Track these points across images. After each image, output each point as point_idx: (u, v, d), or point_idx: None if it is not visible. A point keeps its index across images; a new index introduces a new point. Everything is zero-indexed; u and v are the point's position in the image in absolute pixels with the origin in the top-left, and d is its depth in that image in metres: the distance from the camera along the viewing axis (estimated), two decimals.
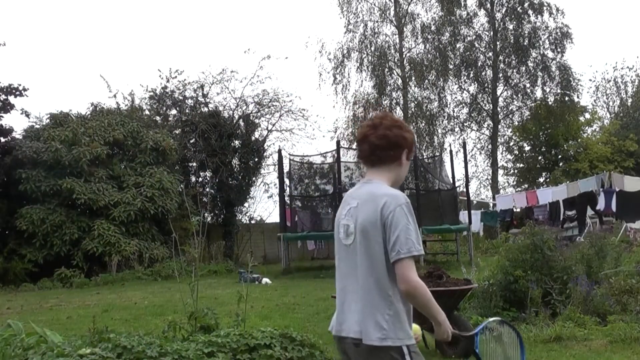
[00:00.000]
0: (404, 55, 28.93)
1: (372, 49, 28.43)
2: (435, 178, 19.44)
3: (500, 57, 29.30)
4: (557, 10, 28.58)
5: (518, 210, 23.69)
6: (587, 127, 32.94)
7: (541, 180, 32.39)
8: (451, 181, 18.85)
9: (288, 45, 52.75)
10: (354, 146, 27.46)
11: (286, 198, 19.48)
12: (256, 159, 24.32)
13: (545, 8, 28.56)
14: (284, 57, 44.14)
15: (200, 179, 24.35)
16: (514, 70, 29.37)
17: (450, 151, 19.92)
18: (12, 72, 51.80)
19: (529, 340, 6.30)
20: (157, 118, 23.92)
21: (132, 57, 48.05)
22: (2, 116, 19.02)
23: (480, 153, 31.69)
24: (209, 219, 22.14)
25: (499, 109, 29.87)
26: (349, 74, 28.75)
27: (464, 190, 20.68)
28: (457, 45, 29.26)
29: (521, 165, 33.71)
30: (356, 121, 28.45)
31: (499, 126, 30.56)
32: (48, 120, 19.68)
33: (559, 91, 28.85)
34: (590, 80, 38.96)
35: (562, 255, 7.62)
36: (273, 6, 48.73)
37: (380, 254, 2.41)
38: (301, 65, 54.48)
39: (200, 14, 49.99)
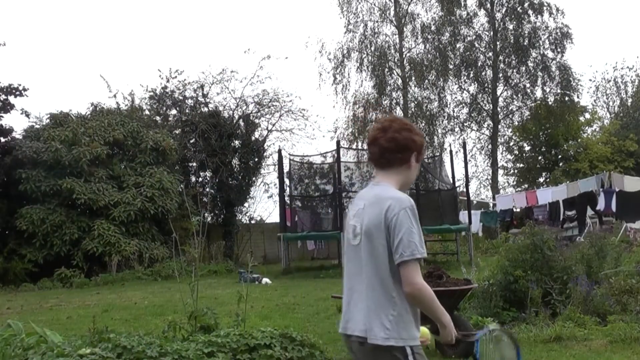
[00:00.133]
0: (404, 55, 28.93)
1: (372, 49, 28.43)
2: (435, 178, 19.44)
3: (500, 57, 29.30)
4: (557, 10, 28.60)
5: (518, 210, 23.69)
6: (587, 127, 32.95)
7: (541, 180, 32.39)
8: (451, 181, 18.86)
9: (288, 45, 52.84)
10: (354, 146, 27.56)
11: (286, 198, 19.48)
12: (256, 159, 24.32)
13: (545, 8, 28.56)
14: (284, 57, 44.22)
15: (200, 179, 24.36)
16: (514, 70, 29.37)
17: (450, 151, 19.95)
18: (12, 72, 51.87)
19: (529, 340, 6.30)
20: (157, 118, 23.93)
21: (132, 57, 48.11)
22: (2, 116, 19.05)
23: (480, 153, 31.73)
24: (209, 219, 22.14)
25: (499, 109, 29.87)
26: (349, 74, 28.79)
27: (464, 190, 20.69)
28: (457, 45, 29.27)
29: (521, 165, 33.71)
30: (356, 121, 28.47)
31: (499, 126, 30.57)
32: (48, 120, 19.68)
33: (559, 91, 28.85)
34: (590, 80, 39.03)
35: (562, 255, 7.61)
36: (273, 6, 48.77)
37: (384, 256, 2.45)
38: (301, 65, 54.53)
39: (200, 14, 50.04)
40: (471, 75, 29.83)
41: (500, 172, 32.46)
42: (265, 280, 14.64)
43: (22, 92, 19.03)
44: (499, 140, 31.11)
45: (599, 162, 28.31)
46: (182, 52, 47.02)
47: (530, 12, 28.67)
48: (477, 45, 29.63)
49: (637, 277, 7.68)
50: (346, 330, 2.57)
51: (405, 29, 28.88)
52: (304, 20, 49.98)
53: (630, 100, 35.93)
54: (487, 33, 29.58)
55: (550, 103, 29.24)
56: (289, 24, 52.55)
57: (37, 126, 19.59)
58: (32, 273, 16.88)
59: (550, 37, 28.62)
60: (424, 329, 2.62)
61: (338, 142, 19.46)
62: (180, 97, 24.02)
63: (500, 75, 29.46)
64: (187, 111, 23.88)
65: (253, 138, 24.18)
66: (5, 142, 19.06)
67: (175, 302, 10.05)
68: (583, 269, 7.68)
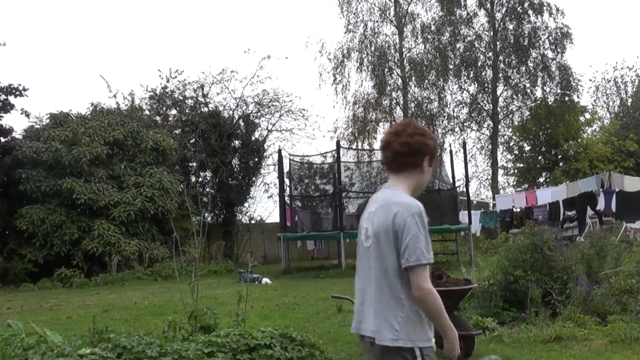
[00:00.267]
0: (404, 55, 28.92)
1: (372, 49, 28.42)
2: (435, 178, 19.43)
3: (500, 57, 29.30)
4: (557, 10, 28.59)
5: (518, 210, 23.69)
6: (587, 127, 32.93)
7: (541, 180, 32.38)
8: (451, 181, 18.86)
9: (288, 45, 52.83)
10: (354, 146, 27.57)
11: (286, 198, 19.49)
12: (256, 159, 24.32)
13: (545, 8, 28.56)
14: (284, 57, 44.19)
15: (200, 179, 24.37)
16: (514, 70, 29.36)
17: (450, 151, 19.94)
18: (12, 72, 51.85)
19: (529, 340, 6.30)
20: (157, 118, 23.93)
21: (132, 57, 48.13)
22: (2, 116, 19.05)
23: (480, 153, 31.71)
24: (209, 219, 22.16)
25: (499, 109, 29.86)
26: (349, 74, 28.77)
27: (464, 190, 20.69)
28: (457, 45, 29.26)
29: (521, 165, 33.70)
30: (356, 121, 28.47)
31: (499, 126, 30.55)
32: (48, 120, 19.68)
33: (559, 91, 28.84)
34: (590, 80, 38.97)
35: (562, 255, 7.61)
36: (273, 6, 48.78)
37: (392, 259, 2.49)
38: (301, 65, 54.53)
39: (201, 14, 50.04)
40: (471, 75, 29.82)
41: (500, 172, 32.48)
42: (265, 280, 14.65)
43: (22, 92, 19.03)
44: (499, 140, 31.10)
45: (599, 162, 28.31)
46: (182, 52, 47.09)
47: (530, 12, 28.66)
48: (477, 45, 29.63)
49: (637, 277, 7.68)
50: (359, 330, 2.63)
51: (405, 29, 28.87)
52: (304, 20, 50.03)
53: (630, 100, 35.92)
54: (487, 33, 29.58)
55: (550, 103, 29.23)
56: (289, 24, 52.60)
57: (37, 126, 19.60)
58: (32, 273, 16.88)
59: (550, 37, 28.62)
60: None
61: (338, 142, 19.46)
62: (180, 97, 24.03)
63: (500, 75, 29.45)
64: (187, 111, 23.88)
65: (253, 138, 24.19)
66: (5, 142, 19.06)
67: (175, 302, 10.05)
68: (583, 269, 7.68)
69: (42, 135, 18.42)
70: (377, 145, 28.38)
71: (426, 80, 28.63)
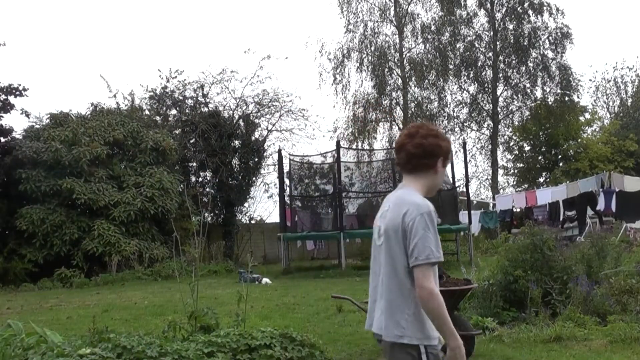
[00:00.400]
0: (404, 55, 28.91)
1: (372, 49, 28.41)
2: None
3: (500, 57, 29.29)
4: (557, 10, 28.58)
5: (518, 210, 23.69)
6: (587, 127, 32.93)
7: (541, 180, 32.38)
8: (451, 181, 18.85)
9: (288, 45, 52.80)
10: (354, 146, 27.56)
11: (286, 198, 19.49)
12: (256, 159, 24.33)
13: (545, 8, 28.55)
14: (284, 57, 44.19)
15: (200, 179, 24.37)
16: (514, 70, 29.35)
17: None
18: (12, 72, 51.84)
19: (529, 340, 6.30)
20: (157, 118, 23.93)
21: (132, 57, 48.11)
22: (2, 116, 19.05)
23: (480, 153, 31.70)
24: (209, 219, 22.15)
25: (499, 109, 29.85)
26: (349, 74, 28.76)
27: (464, 190, 20.69)
28: (457, 45, 29.25)
29: (521, 165, 33.70)
30: (356, 121, 28.45)
31: (499, 126, 30.55)
32: (48, 120, 19.68)
33: (559, 91, 28.83)
34: (590, 80, 38.96)
35: (562, 255, 7.61)
36: (273, 6, 48.77)
37: (402, 258, 2.51)
38: (301, 65, 54.51)
39: (201, 14, 50.03)
40: (471, 75, 29.81)
41: (500, 172, 32.46)
42: (265, 280, 14.65)
43: (22, 92, 19.03)
44: (499, 140, 31.09)
45: (599, 162, 28.31)
46: (182, 52, 47.07)
47: (530, 12, 28.65)
48: (477, 45, 29.62)
49: (637, 277, 7.68)
50: (371, 327, 2.68)
51: (405, 29, 28.86)
52: (304, 20, 49.98)
53: (630, 100, 35.91)
54: (487, 33, 29.57)
55: (550, 103, 29.22)
56: (289, 24, 52.59)
57: (37, 126, 19.60)
58: (32, 273, 16.88)
59: (550, 37, 28.62)
60: None
61: (338, 142, 19.45)
62: (180, 97, 24.03)
63: (500, 75, 29.45)
64: (187, 111, 23.89)
65: (253, 138, 24.19)
66: (5, 142, 19.06)
67: (175, 302, 10.05)
68: (583, 269, 7.67)
69: (42, 135, 18.42)
70: (377, 145, 28.48)
71: (426, 80, 28.62)
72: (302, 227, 18.92)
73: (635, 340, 6.04)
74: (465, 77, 29.90)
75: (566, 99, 28.68)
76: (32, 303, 12.08)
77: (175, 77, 23.97)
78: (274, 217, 25.69)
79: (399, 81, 28.91)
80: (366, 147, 27.68)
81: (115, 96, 23.88)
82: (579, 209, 19.81)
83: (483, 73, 29.84)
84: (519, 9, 28.62)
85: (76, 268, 16.75)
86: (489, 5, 29.25)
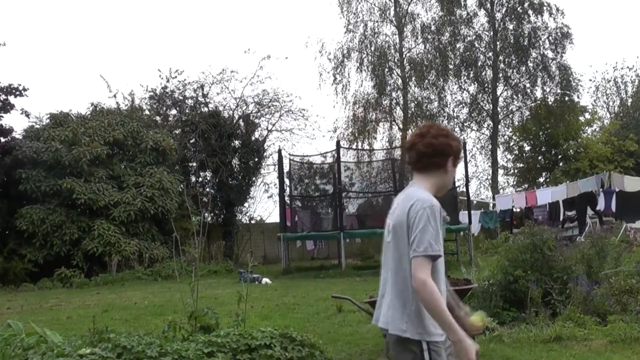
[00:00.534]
0: (404, 55, 28.88)
1: (372, 49, 28.38)
2: None
3: (500, 57, 29.28)
4: (557, 10, 28.57)
5: (518, 210, 23.68)
6: (587, 127, 32.94)
7: (541, 180, 32.39)
8: None
9: (288, 45, 52.82)
10: (354, 146, 27.55)
11: (286, 198, 19.49)
12: (256, 159, 24.33)
13: (545, 8, 28.54)
14: (284, 57, 44.14)
15: (200, 179, 24.38)
16: (514, 70, 29.34)
17: None
18: (12, 72, 51.83)
19: (529, 340, 6.30)
20: (157, 118, 23.94)
21: (132, 57, 48.08)
22: (2, 116, 19.06)
23: (480, 153, 31.70)
24: (209, 219, 22.15)
25: (499, 109, 29.84)
26: (349, 74, 28.71)
27: (464, 190, 20.68)
28: (457, 45, 29.23)
29: (521, 165, 33.71)
30: (356, 121, 28.43)
31: (499, 126, 30.54)
32: (48, 120, 19.69)
33: (559, 91, 28.83)
34: (590, 80, 38.95)
35: (562, 255, 7.61)
36: (273, 6, 48.76)
37: (407, 253, 2.55)
38: (301, 65, 54.51)
39: (201, 14, 50.02)
40: (471, 75, 29.80)
41: (500, 172, 32.46)
42: (265, 280, 14.65)
43: (22, 92, 19.04)
44: (499, 140, 31.09)
45: (599, 162, 28.32)
46: (182, 52, 47.05)
47: (530, 12, 28.64)
48: (477, 45, 29.60)
49: (637, 277, 7.67)
50: (377, 321, 2.72)
51: (405, 29, 28.83)
52: (304, 20, 49.94)
53: (630, 100, 35.91)
54: (487, 33, 29.56)
55: (550, 103, 29.22)
56: (289, 24, 52.57)
57: (37, 126, 19.61)
58: (32, 273, 16.89)
59: (550, 37, 28.61)
60: (477, 316, 2.72)
61: (338, 142, 19.45)
62: (180, 97, 24.04)
63: (500, 75, 29.44)
64: (187, 111, 23.89)
65: (253, 138, 24.20)
66: (5, 142, 19.06)
67: (175, 302, 10.05)
68: (583, 269, 7.67)
69: (42, 135, 18.42)
70: (377, 145, 28.46)
71: (426, 80, 28.59)
72: (302, 227, 18.93)
73: (635, 340, 6.04)
74: (465, 77, 29.90)
75: (566, 99, 28.67)
76: (32, 303, 12.09)
77: (175, 77, 24.01)
78: (274, 217, 25.74)
79: (399, 81, 28.88)
80: (366, 147, 27.68)
81: (115, 96, 23.93)
82: (579, 209, 19.81)
83: (483, 73, 29.83)
84: (519, 9, 28.62)
85: (76, 268, 16.76)
86: (489, 5, 29.24)
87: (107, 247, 17.18)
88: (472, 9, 29.31)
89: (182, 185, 19.65)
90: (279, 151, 19.51)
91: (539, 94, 29.37)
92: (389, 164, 21.08)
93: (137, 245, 17.66)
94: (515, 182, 34.11)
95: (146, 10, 52.87)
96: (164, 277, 16.20)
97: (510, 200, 23.62)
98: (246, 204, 24.96)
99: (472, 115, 30.36)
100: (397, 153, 24.02)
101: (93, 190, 17.77)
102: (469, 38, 29.50)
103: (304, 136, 30.35)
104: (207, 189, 24.09)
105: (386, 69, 28.32)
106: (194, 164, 23.67)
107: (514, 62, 29.17)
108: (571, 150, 30.76)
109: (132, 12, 51.02)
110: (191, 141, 22.99)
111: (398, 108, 29.00)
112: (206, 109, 23.94)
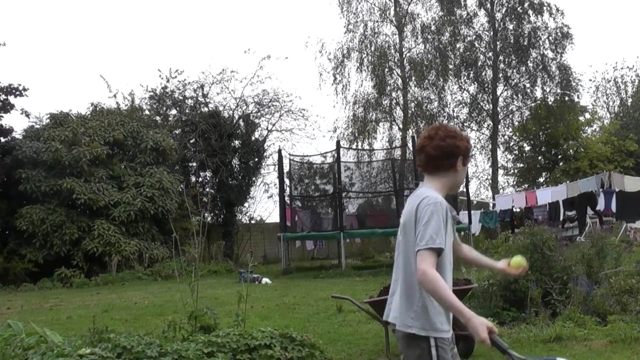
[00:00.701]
0: (404, 55, 28.89)
1: (372, 49, 28.39)
2: None
3: (500, 57, 29.27)
4: (557, 10, 28.56)
5: (518, 210, 23.67)
6: (587, 127, 32.94)
7: (541, 180, 32.38)
8: None
9: (288, 45, 52.78)
10: (354, 146, 27.56)
11: (286, 198, 19.48)
12: (256, 159, 24.34)
13: (545, 8, 28.54)
14: (284, 57, 44.22)
15: (200, 179, 24.39)
16: (514, 70, 29.34)
17: None
18: (12, 72, 51.81)
19: (529, 340, 6.29)
20: (157, 118, 23.95)
21: (132, 57, 48.07)
22: (2, 116, 19.05)
23: (480, 153, 31.70)
24: (209, 219, 22.15)
25: (499, 109, 29.84)
26: (349, 74, 28.74)
27: (464, 190, 20.67)
28: (457, 45, 29.22)
29: (521, 165, 33.71)
30: (356, 121, 28.44)
31: (499, 126, 30.54)
32: (48, 120, 19.69)
33: (559, 91, 28.83)
34: (590, 80, 38.92)
35: (562, 255, 7.61)
36: (273, 6, 48.76)
37: (414, 250, 2.58)
38: (301, 65, 54.50)
39: (201, 14, 50.01)
40: (471, 75, 29.79)
41: (500, 172, 32.46)
42: (265, 280, 14.65)
43: (22, 92, 19.03)
44: (499, 140, 31.09)
45: (599, 162, 28.32)
46: (182, 52, 47.04)
47: (530, 12, 28.64)
48: (477, 45, 29.60)
49: (637, 277, 7.68)
50: (387, 317, 2.76)
51: (405, 29, 28.84)
52: (304, 20, 49.93)
53: (630, 100, 35.92)
54: (487, 33, 29.56)
55: (550, 103, 29.22)
56: (289, 24, 52.56)
57: (37, 126, 19.60)
58: (32, 273, 16.88)
59: (550, 37, 28.60)
60: (518, 256, 2.89)
61: (338, 142, 19.44)
62: (180, 97, 24.05)
63: (500, 75, 29.43)
64: (187, 111, 23.90)
65: (253, 138, 24.21)
66: (5, 142, 19.06)
67: (175, 302, 10.05)
68: (583, 269, 7.67)
69: (42, 135, 18.42)
70: (377, 145, 28.47)
71: (426, 80, 28.60)
72: (302, 227, 18.93)
73: (635, 340, 6.04)
74: (465, 77, 29.89)
75: (566, 98, 28.67)
76: (32, 303, 12.09)
77: (175, 77, 24.03)
78: (274, 217, 25.74)
79: (399, 81, 28.90)
80: (366, 147, 27.69)
81: (115, 96, 23.94)
82: (579, 209, 19.79)
83: (483, 73, 29.82)
84: (519, 9, 28.61)
85: (76, 268, 16.76)
86: (489, 5, 29.24)
87: (107, 247, 17.18)
88: (472, 9, 29.33)
89: (182, 185, 19.65)
90: (279, 151, 19.52)
91: (539, 94, 29.40)
92: (389, 164, 21.08)
93: (137, 245, 17.66)
94: (515, 182, 34.12)
95: (146, 10, 52.89)
96: (164, 277, 16.20)
97: (510, 200, 23.60)
98: (246, 204, 25.00)
99: (472, 115, 30.35)
100: (397, 153, 24.05)
101: (93, 190, 17.77)
102: (469, 38, 29.50)
103: (304, 136, 30.44)
104: (207, 189, 24.10)
105: (386, 69, 28.33)
106: (194, 164, 23.68)
107: (514, 62, 29.16)
108: (571, 150, 30.76)
109: (132, 12, 51.04)
110: (191, 141, 22.99)
111: (398, 108, 29.02)
112: (206, 109, 23.95)
